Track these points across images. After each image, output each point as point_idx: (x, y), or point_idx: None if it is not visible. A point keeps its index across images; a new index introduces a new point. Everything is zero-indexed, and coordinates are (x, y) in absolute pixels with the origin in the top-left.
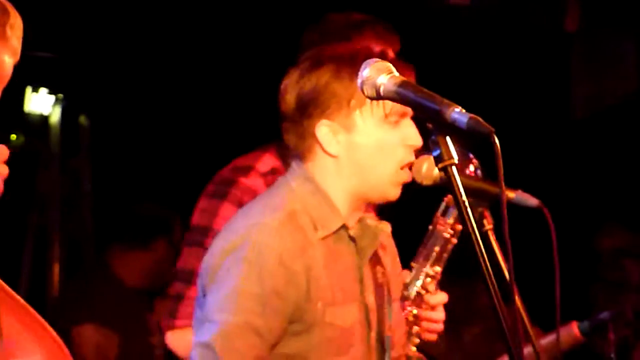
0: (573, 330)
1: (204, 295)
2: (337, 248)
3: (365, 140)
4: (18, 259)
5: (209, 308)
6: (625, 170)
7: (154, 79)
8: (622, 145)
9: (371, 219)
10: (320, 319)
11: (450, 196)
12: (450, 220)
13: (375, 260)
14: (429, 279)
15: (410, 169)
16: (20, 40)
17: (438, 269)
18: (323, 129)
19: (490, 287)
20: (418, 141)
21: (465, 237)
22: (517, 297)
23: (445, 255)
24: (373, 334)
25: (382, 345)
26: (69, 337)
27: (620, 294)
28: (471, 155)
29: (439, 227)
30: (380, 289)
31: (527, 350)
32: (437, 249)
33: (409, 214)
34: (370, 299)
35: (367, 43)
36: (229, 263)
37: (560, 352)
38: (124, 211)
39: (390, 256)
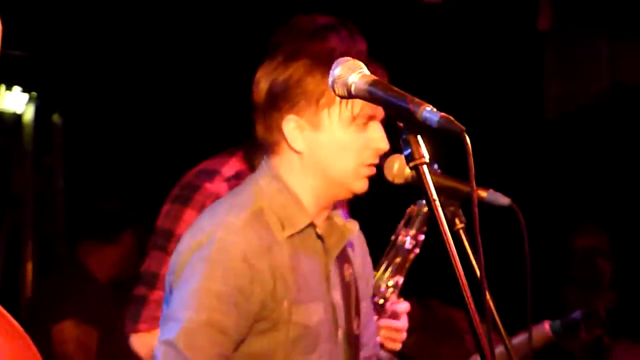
0: (545, 329)
1: (171, 292)
2: (303, 246)
3: (329, 139)
4: None
5: (174, 306)
6: (597, 169)
7: (126, 77)
8: (594, 144)
9: (339, 218)
10: (286, 318)
11: (413, 207)
12: (413, 232)
13: (343, 258)
14: (390, 289)
15: (376, 165)
16: (0, 35)
17: (399, 279)
18: (290, 124)
19: (462, 286)
20: (384, 145)
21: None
22: (488, 296)
23: (407, 265)
24: (340, 332)
25: (349, 343)
26: (48, 336)
27: (592, 293)
28: (435, 166)
29: (401, 237)
30: (347, 287)
31: (499, 349)
32: (398, 259)
33: (382, 215)
34: (337, 297)
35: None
36: (194, 261)
37: (531, 351)
38: (89, 209)
39: (360, 255)
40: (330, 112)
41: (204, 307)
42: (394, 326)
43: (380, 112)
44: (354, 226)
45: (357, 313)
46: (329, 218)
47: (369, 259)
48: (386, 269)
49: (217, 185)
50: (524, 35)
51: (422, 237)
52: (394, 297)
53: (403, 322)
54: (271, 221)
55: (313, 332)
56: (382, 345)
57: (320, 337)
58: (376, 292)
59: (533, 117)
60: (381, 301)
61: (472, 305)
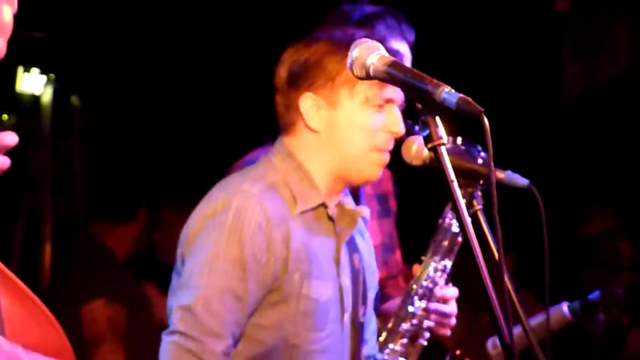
0: (563, 310)
1: (183, 262)
2: (316, 225)
3: (346, 118)
4: (9, 239)
5: (189, 272)
6: (617, 151)
7: (145, 58)
8: (613, 126)
9: (350, 203)
10: (297, 291)
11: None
12: None
13: (353, 247)
14: (438, 273)
15: (390, 152)
16: (13, 16)
17: (448, 262)
18: (308, 102)
19: (479, 267)
20: (399, 129)
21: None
22: (506, 278)
23: (455, 248)
24: (347, 316)
25: (355, 328)
26: (79, 317)
27: (612, 275)
28: (479, 147)
29: (448, 220)
30: (356, 274)
31: (517, 330)
32: (445, 243)
33: (423, 204)
34: (346, 282)
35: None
36: (209, 228)
37: (550, 332)
38: (101, 188)
39: (367, 247)
40: (348, 91)
41: (221, 274)
42: (443, 311)
43: (399, 96)
44: (364, 211)
45: (364, 301)
46: (340, 204)
47: (373, 253)
48: (434, 253)
49: None
50: (542, 16)
51: (469, 220)
52: (442, 282)
53: (452, 307)
54: (284, 196)
55: (322, 309)
56: (431, 331)
57: (328, 316)
58: (425, 276)
59: (552, 99)
60: (430, 285)
61: (490, 287)
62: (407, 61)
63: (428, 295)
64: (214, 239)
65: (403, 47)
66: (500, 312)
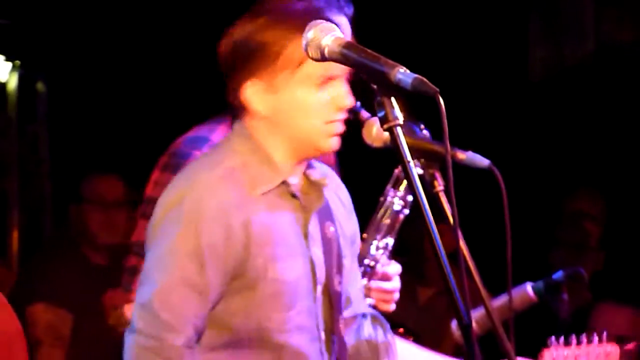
0: (527, 291)
1: (147, 254)
2: (279, 203)
3: (290, 100)
4: None
5: (148, 267)
6: (582, 131)
7: (111, 44)
8: (579, 106)
9: (317, 173)
10: (262, 275)
11: (401, 167)
12: (401, 193)
13: (325, 215)
14: (380, 251)
15: (347, 123)
16: None
17: (389, 240)
18: (249, 90)
19: (436, 248)
20: (346, 102)
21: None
22: (467, 259)
23: (396, 226)
24: (319, 288)
25: (329, 298)
26: (24, 318)
27: (578, 255)
28: (422, 126)
29: (390, 199)
30: (328, 244)
31: (479, 311)
32: (387, 221)
33: (370, 177)
34: (318, 254)
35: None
36: (167, 220)
37: (513, 313)
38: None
39: (345, 213)
40: (289, 73)
41: (178, 268)
42: (384, 288)
43: (343, 70)
44: (330, 181)
45: (339, 270)
46: (306, 176)
47: (354, 218)
48: (375, 231)
49: None
50: None
51: (410, 197)
52: (384, 259)
53: (394, 284)
54: (244, 179)
55: (291, 289)
56: (375, 307)
57: (298, 294)
58: (366, 254)
59: (518, 80)
60: (372, 263)
61: (448, 268)
62: (347, 35)
63: (370, 272)
64: (171, 232)
65: (341, 21)
66: (459, 293)
